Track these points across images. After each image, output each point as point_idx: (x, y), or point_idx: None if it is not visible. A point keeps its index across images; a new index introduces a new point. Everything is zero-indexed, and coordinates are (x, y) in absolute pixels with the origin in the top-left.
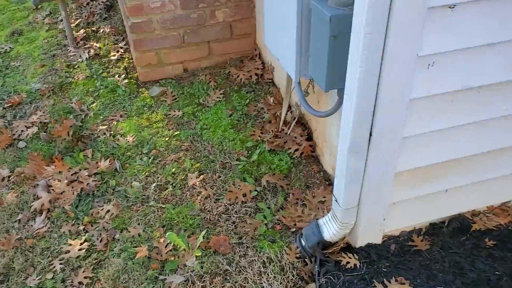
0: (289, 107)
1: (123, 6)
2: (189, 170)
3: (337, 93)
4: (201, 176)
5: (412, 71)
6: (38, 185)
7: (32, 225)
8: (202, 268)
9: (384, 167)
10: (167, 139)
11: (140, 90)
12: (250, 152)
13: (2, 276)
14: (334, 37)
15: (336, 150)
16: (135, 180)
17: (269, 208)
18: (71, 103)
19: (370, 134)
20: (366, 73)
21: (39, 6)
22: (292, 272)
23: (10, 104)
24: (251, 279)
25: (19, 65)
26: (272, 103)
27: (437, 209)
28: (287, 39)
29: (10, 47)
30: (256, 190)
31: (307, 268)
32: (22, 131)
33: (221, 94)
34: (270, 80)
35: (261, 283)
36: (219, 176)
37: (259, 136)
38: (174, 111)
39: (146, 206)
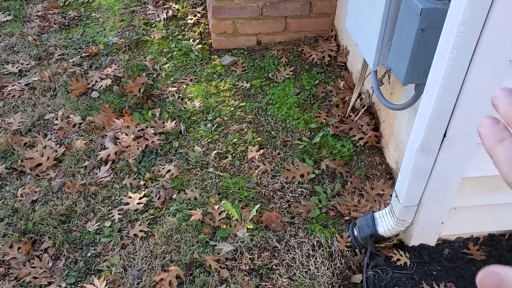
0: (360, 94)
1: None
2: (250, 142)
3: (414, 88)
4: (261, 151)
5: (500, 77)
6: (106, 135)
7: (96, 173)
8: (252, 240)
9: (453, 170)
10: (232, 109)
11: (212, 57)
12: (313, 133)
13: (65, 217)
14: (422, 31)
15: (402, 144)
16: (197, 144)
17: (325, 192)
18: (145, 61)
19: (444, 135)
20: (451, 72)
21: None
22: (340, 260)
23: (88, 54)
24: (299, 259)
25: (99, 17)
26: (342, 87)
27: (499, 221)
28: (371, 25)
29: None
30: (314, 173)
31: (356, 258)
32: (96, 81)
33: (291, 71)
34: (343, 64)
35: (308, 266)
36: (279, 153)
37: (324, 119)
38: (243, 82)
39: (205, 171)
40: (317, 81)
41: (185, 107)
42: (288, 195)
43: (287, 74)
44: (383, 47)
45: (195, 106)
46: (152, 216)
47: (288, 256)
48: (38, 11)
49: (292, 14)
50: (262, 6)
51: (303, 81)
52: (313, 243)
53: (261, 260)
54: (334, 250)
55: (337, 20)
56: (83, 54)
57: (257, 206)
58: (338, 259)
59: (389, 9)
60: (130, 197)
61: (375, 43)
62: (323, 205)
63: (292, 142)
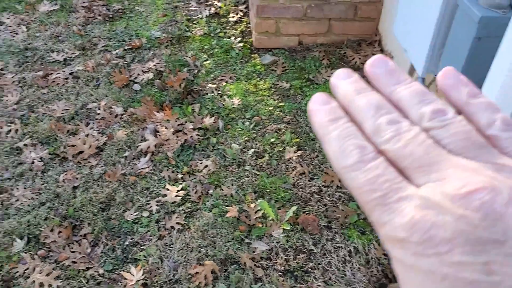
0: None
1: None
2: (287, 143)
3: None
4: (299, 152)
5: None
6: (146, 128)
7: (136, 164)
8: (287, 242)
9: None
10: (271, 108)
11: (252, 55)
12: None
13: (104, 204)
14: (478, 39)
15: None
16: (234, 142)
17: None
18: (186, 56)
19: None
20: (511, 83)
21: None
22: (377, 267)
23: (131, 47)
24: (335, 264)
25: (143, 11)
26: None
27: None
28: (422, 31)
29: None
30: None
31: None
32: (138, 74)
33: (332, 73)
34: None
35: (344, 271)
36: (317, 156)
37: None
38: (282, 82)
39: (242, 169)
40: None
41: (223, 104)
42: (326, 199)
43: (328, 76)
44: (434, 54)
45: (233, 104)
46: (189, 210)
47: (324, 260)
48: (83, 2)
49: (336, 17)
50: (306, 7)
51: None
52: (350, 249)
53: (296, 262)
54: (371, 258)
55: (382, 25)
56: (126, 47)
57: (294, 208)
58: (375, 267)
59: (443, 16)
60: (168, 190)
61: (425, 50)
62: (361, 211)
63: None
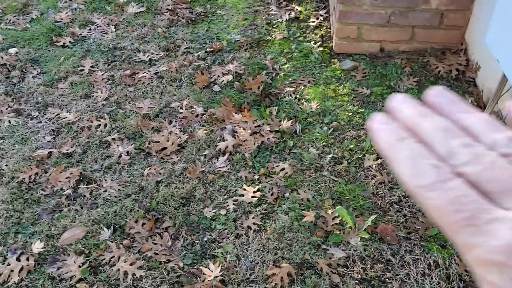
0: (492, 113)
1: None
2: (367, 150)
3: None
4: (379, 160)
5: None
6: (225, 128)
7: (214, 163)
8: (365, 250)
9: None
10: (350, 114)
11: (332, 60)
12: None
13: (185, 200)
14: None
15: None
16: (312, 146)
17: None
18: (265, 60)
19: None
20: None
21: None
22: (458, 283)
23: (212, 49)
24: (413, 277)
25: (224, 14)
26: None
27: None
28: None
29: None
30: None
31: (476, 285)
32: (218, 76)
33: (414, 81)
34: (472, 80)
35: (423, 284)
36: None
37: None
38: (362, 88)
39: (319, 174)
40: None
41: (301, 108)
42: (406, 210)
43: (410, 84)
44: None
45: (311, 108)
46: (265, 211)
47: (403, 272)
48: (168, 5)
49: (420, 24)
50: (390, 13)
51: None
52: (429, 262)
53: (373, 271)
54: (452, 273)
55: (469, 33)
56: (208, 49)
57: (373, 217)
58: (456, 283)
59: None
60: (245, 190)
61: None
62: None
63: None
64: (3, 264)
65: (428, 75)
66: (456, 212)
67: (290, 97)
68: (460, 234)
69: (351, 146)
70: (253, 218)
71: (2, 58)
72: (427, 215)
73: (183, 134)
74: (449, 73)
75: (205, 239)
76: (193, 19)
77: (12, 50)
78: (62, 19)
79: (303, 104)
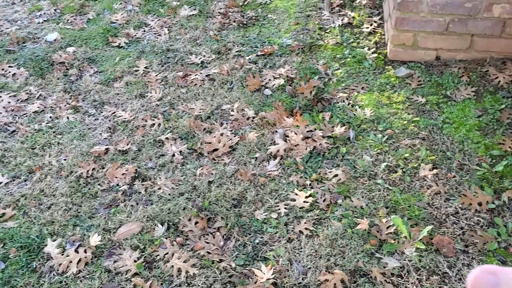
0: None
1: None
2: (422, 160)
3: None
4: (434, 170)
5: None
6: (276, 132)
7: (265, 166)
8: (420, 261)
9: None
10: (404, 122)
11: (386, 67)
12: (494, 161)
13: (236, 201)
14: None
15: None
16: (365, 153)
17: (505, 226)
18: (317, 64)
19: None
20: None
21: None
22: None
23: (263, 53)
24: None
25: (275, 19)
26: None
27: None
28: None
29: (270, 0)
30: (493, 203)
31: None
32: (269, 80)
33: (472, 91)
34: None
35: None
36: (454, 176)
37: (510, 147)
38: (417, 96)
39: (373, 182)
40: (502, 106)
41: (355, 115)
42: (463, 222)
43: (467, 94)
44: None
45: (365, 115)
46: (317, 217)
47: (460, 286)
48: (220, 9)
49: (480, 33)
50: (449, 21)
51: (486, 103)
52: None
53: (429, 283)
54: None
55: None
56: (259, 53)
57: (428, 228)
58: None
59: None
60: (297, 194)
61: None
62: (502, 240)
63: (469, 166)
64: (62, 254)
65: (487, 85)
66: None
67: (343, 103)
68: None
69: (406, 154)
70: (305, 223)
71: (60, 56)
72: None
73: (234, 136)
74: (510, 84)
75: (257, 241)
76: (245, 22)
77: (70, 49)
78: (117, 20)
79: (356, 110)
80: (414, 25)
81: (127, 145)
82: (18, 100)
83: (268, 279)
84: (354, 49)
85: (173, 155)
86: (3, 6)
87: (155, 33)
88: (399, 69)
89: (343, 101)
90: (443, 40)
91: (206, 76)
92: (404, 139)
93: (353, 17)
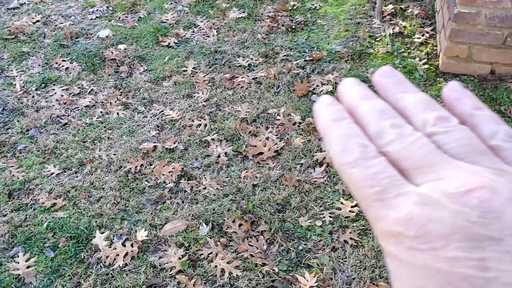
0: None
1: None
2: None
3: None
4: None
5: None
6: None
7: (311, 173)
8: None
9: None
10: None
11: (437, 79)
12: None
13: (280, 206)
14: None
15: None
16: None
17: None
18: (367, 73)
19: None
20: None
21: None
22: None
23: (311, 59)
24: None
25: (324, 24)
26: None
27: None
28: None
29: (319, 5)
30: None
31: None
32: (317, 85)
33: None
34: None
35: None
36: None
37: None
38: None
39: None
40: None
41: None
42: None
43: None
44: None
45: None
46: (363, 227)
47: None
48: (269, 12)
49: None
50: (507, 35)
51: None
52: None
53: None
54: None
55: None
56: (307, 58)
57: None
58: None
59: None
60: (342, 203)
61: None
62: None
63: None
64: (109, 247)
65: None
66: (370, 187)
67: None
68: (371, 208)
69: None
70: (350, 233)
71: (112, 53)
72: (349, 191)
73: (279, 141)
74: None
75: (300, 247)
76: (293, 27)
77: (121, 46)
78: (167, 20)
79: None
80: (469, 38)
81: (174, 143)
82: (70, 94)
83: (312, 286)
84: (405, 59)
85: (219, 156)
86: (57, 1)
87: (203, 34)
88: (451, 81)
89: None
90: (499, 54)
91: (253, 79)
92: None
93: (405, 27)
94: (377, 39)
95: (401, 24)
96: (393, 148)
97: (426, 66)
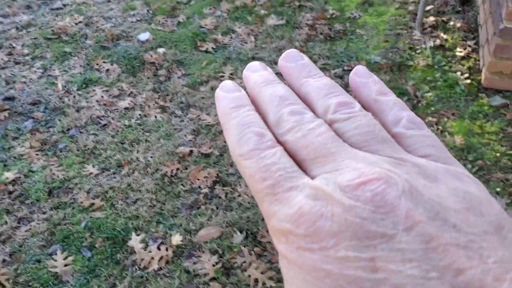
0: None
1: (502, 6)
2: None
3: None
4: None
5: None
6: None
7: None
8: None
9: None
10: (497, 154)
11: (479, 94)
12: None
13: None
14: None
15: None
16: None
17: None
18: (406, 85)
19: None
20: None
21: None
22: None
23: (350, 68)
24: None
25: (364, 34)
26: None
27: None
28: None
29: (359, 15)
30: None
31: None
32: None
33: None
34: None
35: None
36: None
37: None
38: None
39: None
40: None
41: (444, 141)
42: None
43: None
44: None
45: (455, 142)
46: None
47: None
48: (308, 20)
49: None
50: None
51: None
52: None
53: None
54: None
55: None
56: (345, 68)
57: None
58: None
59: None
60: None
61: None
62: None
63: None
64: (145, 250)
65: None
66: (262, 180)
67: (432, 128)
68: (264, 203)
69: (498, 189)
70: None
71: (151, 56)
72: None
73: None
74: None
75: None
76: (332, 36)
77: (161, 50)
78: (206, 25)
79: (446, 137)
80: None
81: (210, 149)
82: (110, 95)
83: None
84: (446, 72)
85: None
86: (99, 3)
87: (241, 40)
88: (494, 97)
89: (432, 126)
90: None
91: None
92: (496, 172)
93: (446, 40)
94: (417, 51)
95: (442, 36)
96: (291, 137)
97: (468, 80)
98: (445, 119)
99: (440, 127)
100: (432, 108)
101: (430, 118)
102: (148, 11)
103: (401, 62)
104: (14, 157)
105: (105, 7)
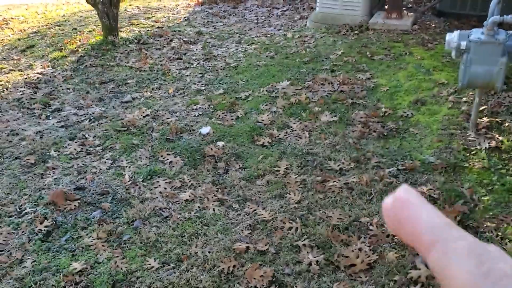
0: None
1: None
2: None
3: None
4: None
5: None
6: (418, 255)
7: None
8: None
9: None
10: None
11: None
12: None
13: None
14: None
15: None
16: None
17: None
18: (462, 187)
19: None
20: None
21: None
22: None
23: (404, 168)
24: None
25: (417, 133)
26: None
27: None
28: None
29: (411, 113)
30: None
31: None
32: None
33: None
34: None
35: None
36: None
37: None
38: None
39: None
40: None
41: (504, 249)
42: None
43: None
44: None
45: None
46: None
47: None
48: (361, 117)
49: None
50: None
51: None
52: None
53: None
54: None
55: None
56: (400, 167)
57: None
58: None
59: None
60: None
61: None
62: None
63: None
64: None
65: None
66: None
67: (491, 234)
68: None
69: None
70: None
71: (211, 149)
72: None
73: (372, 253)
74: None
75: None
76: (385, 133)
77: (220, 143)
78: (263, 120)
79: (506, 244)
80: None
81: (265, 245)
82: (172, 187)
83: None
84: (503, 176)
85: (310, 264)
86: (165, 97)
87: (296, 136)
88: None
89: (491, 231)
90: None
91: (345, 184)
92: None
93: (502, 141)
94: (472, 152)
95: (498, 138)
96: None
97: None
98: (505, 225)
99: (499, 233)
100: (490, 213)
101: (488, 224)
102: (209, 105)
103: (456, 163)
104: (82, 247)
105: (170, 101)
